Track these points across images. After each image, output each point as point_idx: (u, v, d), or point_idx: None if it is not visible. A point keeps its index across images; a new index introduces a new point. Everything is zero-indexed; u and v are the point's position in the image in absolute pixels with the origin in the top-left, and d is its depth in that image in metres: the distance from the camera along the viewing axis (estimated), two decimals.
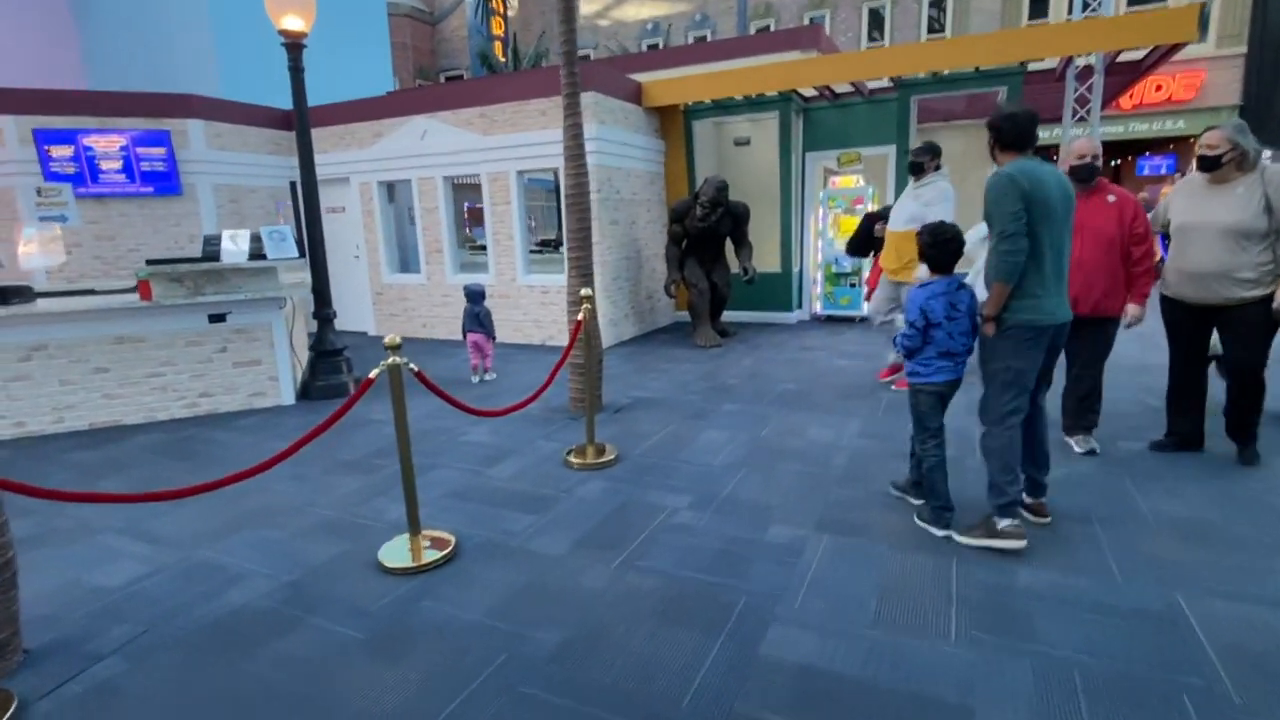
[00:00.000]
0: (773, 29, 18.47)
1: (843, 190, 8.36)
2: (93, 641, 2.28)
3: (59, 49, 12.57)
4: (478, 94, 7.57)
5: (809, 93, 8.10)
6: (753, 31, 18.47)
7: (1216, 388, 3.60)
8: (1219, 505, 2.98)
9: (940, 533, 2.79)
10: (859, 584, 2.47)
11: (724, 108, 8.17)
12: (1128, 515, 2.93)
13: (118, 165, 7.27)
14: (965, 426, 3.79)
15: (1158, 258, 3.46)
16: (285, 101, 5.43)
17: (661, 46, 20.04)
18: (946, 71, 7.11)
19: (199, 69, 11.28)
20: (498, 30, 20.87)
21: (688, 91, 7.95)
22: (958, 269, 2.85)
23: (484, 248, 8.00)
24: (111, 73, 12.19)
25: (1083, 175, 3.41)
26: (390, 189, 8.49)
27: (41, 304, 4.69)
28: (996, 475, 2.66)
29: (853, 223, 7.22)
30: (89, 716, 1.93)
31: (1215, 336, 3.48)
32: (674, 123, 8.34)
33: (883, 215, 5.51)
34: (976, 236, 3.78)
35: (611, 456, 3.83)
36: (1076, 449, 3.68)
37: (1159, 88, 14.81)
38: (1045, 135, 13.67)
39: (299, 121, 5.37)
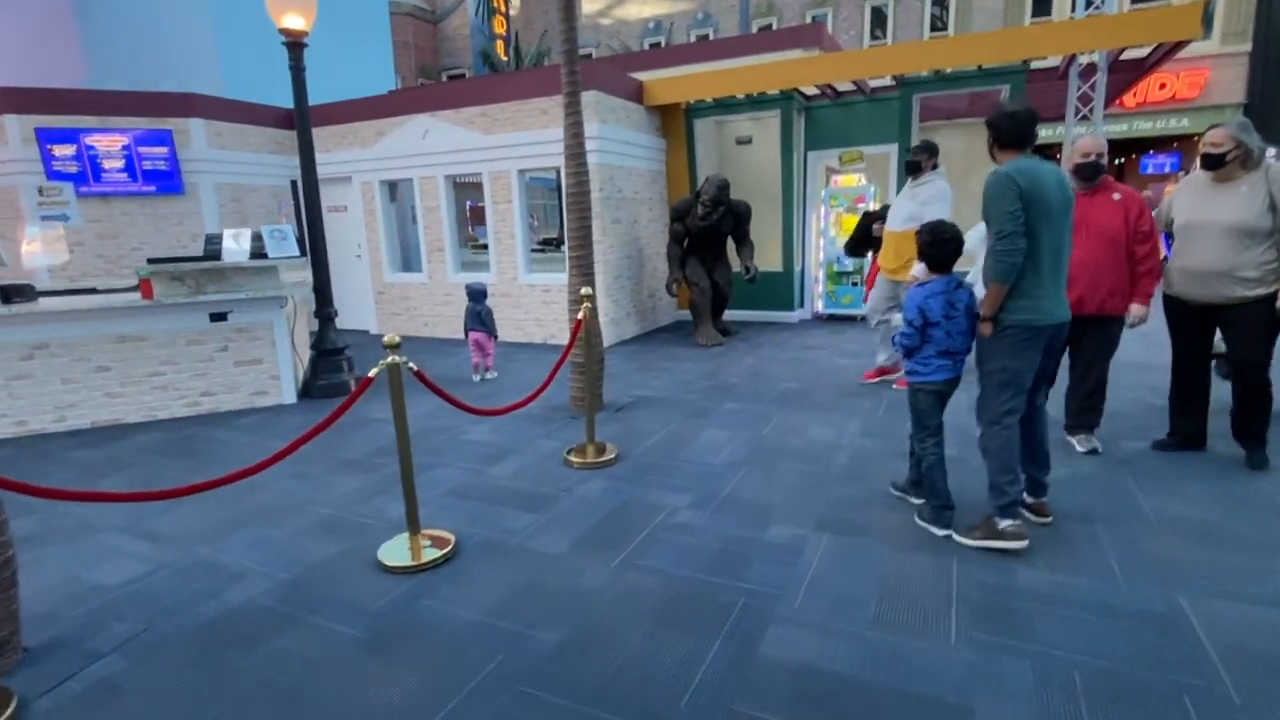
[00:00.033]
0: (775, 27, 18.44)
1: (844, 189, 8.34)
2: (92, 639, 2.28)
3: (61, 48, 12.60)
4: (479, 93, 7.57)
5: (811, 91, 8.08)
6: (755, 30, 18.44)
7: (1221, 388, 3.58)
8: (1221, 505, 2.97)
9: (941, 532, 2.78)
10: (859, 584, 2.46)
11: (726, 106, 8.15)
12: (1129, 515, 2.92)
13: (120, 164, 7.29)
14: (967, 425, 3.78)
15: (1161, 256, 3.44)
16: (287, 100, 5.43)
17: (663, 45, 20.02)
18: (949, 70, 7.09)
19: (201, 68, 11.30)
20: (500, 29, 20.86)
21: (689, 90, 7.93)
22: (959, 268, 2.84)
23: (486, 247, 8.00)
24: (113, 72, 12.20)
25: (1087, 173, 3.40)
26: (392, 188, 8.50)
27: (43, 303, 4.70)
28: (996, 475, 2.65)
29: (854, 221, 7.21)
30: (88, 714, 1.93)
31: (1219, 336, 3.47)
32: (675, 121, 8.33)
33: (880, 215, 5.50)
34: (976, 236, 3.77)
35: (612, 455, 3.83)
36: (1078, 448, 3.67)
37: (1163, 86, 14.76)
38: (1048, 134, 13.68)
39: (300, 120, 5.37)
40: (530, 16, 22.97)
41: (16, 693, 1.99)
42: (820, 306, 8.61)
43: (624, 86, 7.56)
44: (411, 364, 2.80)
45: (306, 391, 5.51)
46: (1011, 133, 2.60)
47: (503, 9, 21.13)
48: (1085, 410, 3.67)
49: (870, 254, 5.99)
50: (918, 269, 4.48)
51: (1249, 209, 3.08)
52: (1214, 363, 3.70)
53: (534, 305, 7.63)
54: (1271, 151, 3.34)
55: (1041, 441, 2.84)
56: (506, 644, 2.19)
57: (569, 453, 3.88)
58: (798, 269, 8.34)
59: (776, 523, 2.98)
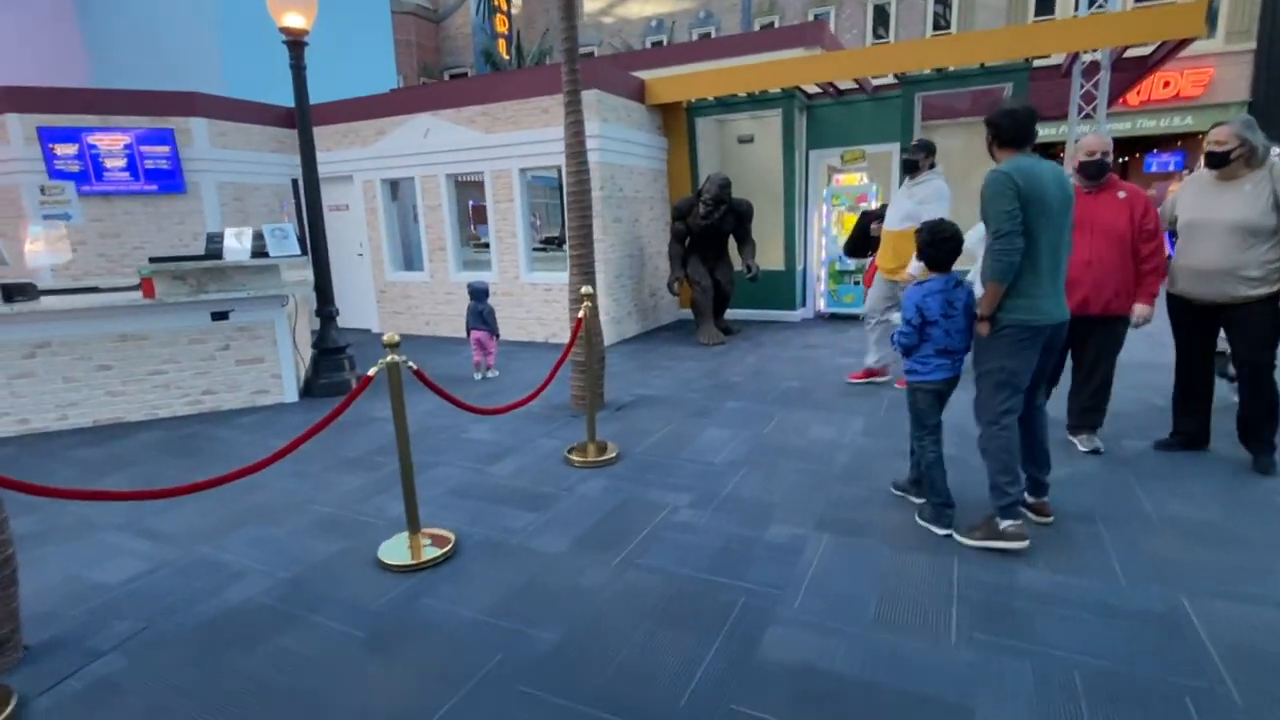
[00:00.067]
0: (777, 26, 18.40)
1: (846, 188, 8.32)
2: (93, 638, 2.28)
3: (63, 48, 12.62)
4: (480, 92, 7.57)
5: (812, 90, 8.06)
6: (757, 28, 18.41)
7: (1226, 388, 3.56)
8: (1224, 505, 2.96)
9: (942, 531, 2.78)
10: (859, 583, 2.46)
11: (727, 105, 8.14)
12: (1131, 515, 2.91)
13: (122, 163, 7.30)
14: (968, 424, 3.75)
15: (1166, 255, 3.41)
16: (289, 99, 5.44)
17: (665, 43, 20.00)
18: (951, 68, 7.06)
19: (203, 67, 11.31)
20: (501, 28, 20.85)
21: (691, 88, 7.92)
22: (960, 266, 2.83)
23: (488, 245, 8.00)
24: (116, 71, 12.22)
25: (1092, 172, 3.38)
26: (394, 187, 8.50)
27: (45, 301, 4.71)
28: (996, 476, 2.64)
29: (854, 221, 7.19)
30: (88, 712, 1.94)
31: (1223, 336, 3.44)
32: (677, 120, 8.32)
33: (879, 214, 5.48)
34: (975, 236, 3.75)
35: (612, 454, 3.82)
36: (1080, 448, 3.66)
37: (1167, 84, 14.70)
38: (1051, 132, 13.64)
39: (300, 119, 5.37)
40: (532, 15, 22.95)
41: (16, 691, 2.00)
42: (822, 305, 8.60)
43: (625, 85, 7.55)
44: (411, 363, 2.80)
45: (308, 390, 5.52)
46: (1011, 131, 2.59)
47: (504, 8, 21.12)
48: (1089, 410, 3.66)
49: (871, 254, 5.97)
50: (913, 268, 4.48)
51: (1253, 207, 3.06)
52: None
53: (535, 304, 7.63)
54: (1276, 150, 3.31)
55: (1041, 442, 2.83)
56: (506, 643, 2.19)
57: (570, 451, 3.88)
58: (799, 268, 8.33)
59: (777, 522, 2.97)
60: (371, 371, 2.68)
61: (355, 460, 3.96)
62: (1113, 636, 2.09)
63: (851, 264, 8.15)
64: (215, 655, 2.18)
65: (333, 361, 5.59)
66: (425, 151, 7.87)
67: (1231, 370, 4.02)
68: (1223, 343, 3.46)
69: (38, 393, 4.68)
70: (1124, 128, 14.93)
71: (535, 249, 8.54)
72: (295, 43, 5.05)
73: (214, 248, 5.05)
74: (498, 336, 6.03)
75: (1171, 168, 15.97)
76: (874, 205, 7.73)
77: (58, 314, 4.62)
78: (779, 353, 6.52)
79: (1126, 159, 16.68)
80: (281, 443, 2.54)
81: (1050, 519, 2.85)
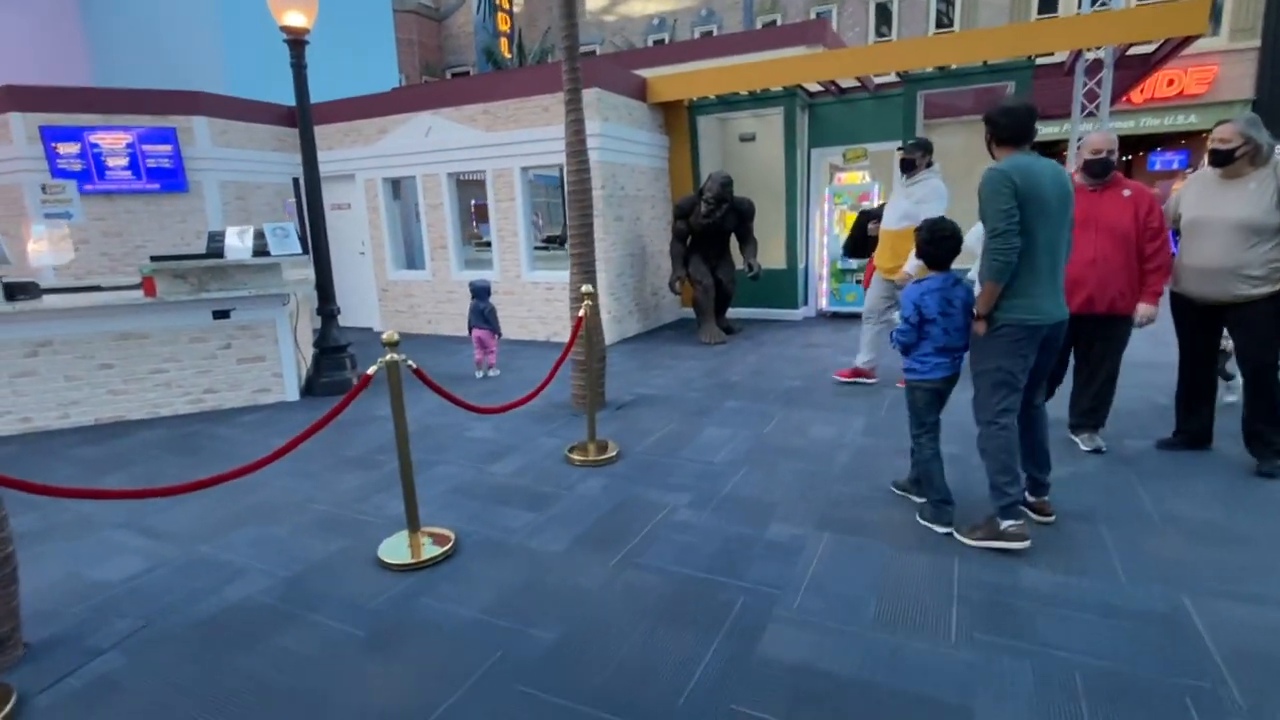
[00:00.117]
0: (779, 24, 18.37)
1: (848, 186, 8.30)
2: (92, 636, 2.29)
3: (65, 47, 12.65)
4: (481, 90, 7.56)
5: (814, 88, 8.04)
6: (759, 26, 18.38)
7: (1222, 387, 3.54)
8: (1226, 505, 2.94)
9: (942, 529, 2.77)
10: (859, 583, 2.45)
11: (729, 103, 8.12)
12: (1133, 514, 2.89)
13: (124, 162, 7.31)
14: (969, 423, 3.72)
15: (1170, 254, 3.39)
16: (290, 98, 5.44)
17: (667, 42, 19.97)
18: (954, 66, 7.04)
19: (205, 66, 11.32)
20: (503, 26, 20.85)
21: (692, 87, 7.91)
22: (961, 265, 2.82)
23: (489, 244, 8.00)
24: (118, 70, 12.25)
25: (1097, 170, 3.36)
26: (395, 186, 8.50)
27: (47, 300, 4.72)
28: (995, 476, 2.63)
29: (855, 219, 7.17)
30: (88, 711, 1.94)
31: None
32: (678, 118, 8.30)
33: (876, 214, 5.47)
34: (975, 235, 3.74)
35: (613, 453, 3.82)
36: (1082, 446, 3.64)
37: (1170, 82, 14.64)
38: (1054, 130, 13.58)
39: (301, 118, 5.37)
40: (534, 13, 22.94)
41: (16, 689, 2.00)
42: (824, 304, 8.58)
43: (626, 83, 7.54)
44: (411, 361, 2.80)
45: (309, 389, 5.52)
46: (1009, 129, 2.57)
47: (506, 6, 21.12)
48: (1092, 410, 3.64)
49: (870, 254, 5.95)
50: (910, 266, 4.47)
51: (1257, 205, 3.04)
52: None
53: (537, 303, 7.63)
54: None
55: (1041, 442, 2.82)
56: (505, 642, 2.18)
57: (570, 451, 3.88)
58: (801, 266, 8.31)
59: (777, 521, 2.97)
60: (371, 370, 2.68)
61: (356, 459, 3.96)
62: (1114, 636, 2.08)
63: (854, 262, 8.14)
64: (215, 654, 2.18)
65: (334, 360, 5.59)
66: (427, 150, 7.87)
67: (1228, 369, 4.01)
68: (1225, 340, 3.44)
69: (40, 391, 4.69)
70: (1127, 126, 14.87)
71: (537, 248, 8.54)
72: (296, 41, 5.05)
73: (215, 246, 5.06)
74: (499, 335, 6.03)
75: (1175, 166, 15.91)
76: (877, 203, 7.71)
77: (59, 312, 4.63)
78: (780, 352, 6.51)
79: (1130, 157, 16.63)
80: (283, 441, 2.54)
81: (1052, 518, 2.84)
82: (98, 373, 4.81)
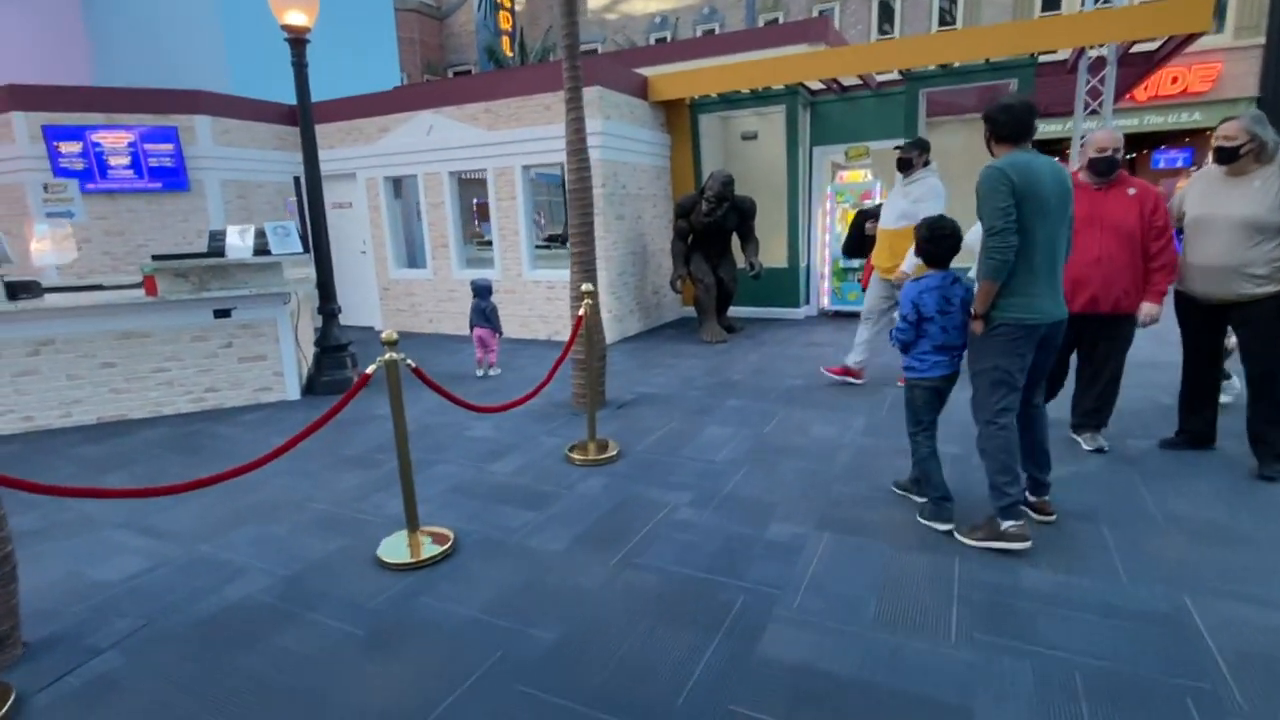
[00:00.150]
0: (781, 22, 18.33)
1: (850, 184, 8.28)
2: (92, 635, 2.29)
3: (67, 45, 12.66)
4: (482, 89, 7.56)
5: (816, 86, 8.02)
6: (761, 24, 18.35)
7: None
8: (1229, 505, 2.93)
9: (943, 527, 2.76)
10: (859, 583, 2.44)
11: (730, 102, 8.10)
12: (1135, 514, 2.88)
13: (126, 161, 7.32)
14: (970, 422, 3.73)
15: (1175, 252, 3.37)
16: (292, 97, 5.44)
17: (669, 40, 19.94)
18: (956, 64, 7.02)
19: (207, 65, 11.32)
20: (505, 25, 20.84)
21: (693, 85, 7.89)
22: (963, 263, 2.81)
23: (490, 243, 8.00)
24: (120, 69, 12.26)
25: (1102, 169, 3.33)
26: (397, 184, 8.50)
27: (49, 299, 4.73)
28: (995, 476, 2.61)
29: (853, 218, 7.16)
30: (86, 710, 1.94)
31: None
32: (680, 117, 8.29)
33: (874, 214, 5.45)
34: (975, 235, 3.73)
35: (613, 453, 3.81)
36: (1084, 446, 3.63)
37: (1175, 80, 14.58)
38: (1057, 129, 13.53)
39: (302, 117, 5.37)
40: (535, 12, 22.93)
41: (15, 688, 2.00)
42: (826, 303, 8.57)
43: (628, 82, 7.53)
44: (410, 360, 2.79)
45: (310, 388, 5.53)
46: (1008, 126, 2.55)
47: (508, 5, 21.11)
48: (1095, 410, 3.62)
49: (869, 254, 5.93)
50: (907, 265, 4.46)
51: (1261, 203, 3.02)
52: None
53: (538, 301, 7.63)
54: None
55: (1040, 441, 2.81)
56: (504, 641, 2.18)
57: (570, 450, 3.87)
58: (803, 265, 8.29)
59: (777, 521, 2.96)
60: (370, 369, 2.68)
61: (356, 458, 3.97)
62: (1115, 637, 2.07)
63: (856, 262, 8.12)
64: (214, 653, 2.18)
65: (335, 359, 5.60)
66: (428, 149, 7.87)
67: (1225, 369, 3.98)
68: (1228, 338, 3.42)
69: (42, 390, 4.70)
70: (1131, 124, 14.82)
71: (538, 246, 8.54)
72: (297, 40, 5.05)
73: (216, 245, 5.06)
74: (500, 334, 6.02)
75: (1179, 164, 15.85)
76: (879, 202, 7.70)
77: (61, 311, 4.64)
78: (782, 351, 6.50)
79: (1134, 155, 16.57)
80: (283, 440, 2.53)
81: (1052, 517, 2.83)
82: (100, 371, 4.81)
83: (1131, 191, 3.33)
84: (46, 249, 5.99)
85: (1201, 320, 3.36)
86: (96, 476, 3.82)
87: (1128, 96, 11.12)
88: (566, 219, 7.95)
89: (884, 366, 5.46)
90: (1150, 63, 7.38)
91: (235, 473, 2.42)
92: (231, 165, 8.01)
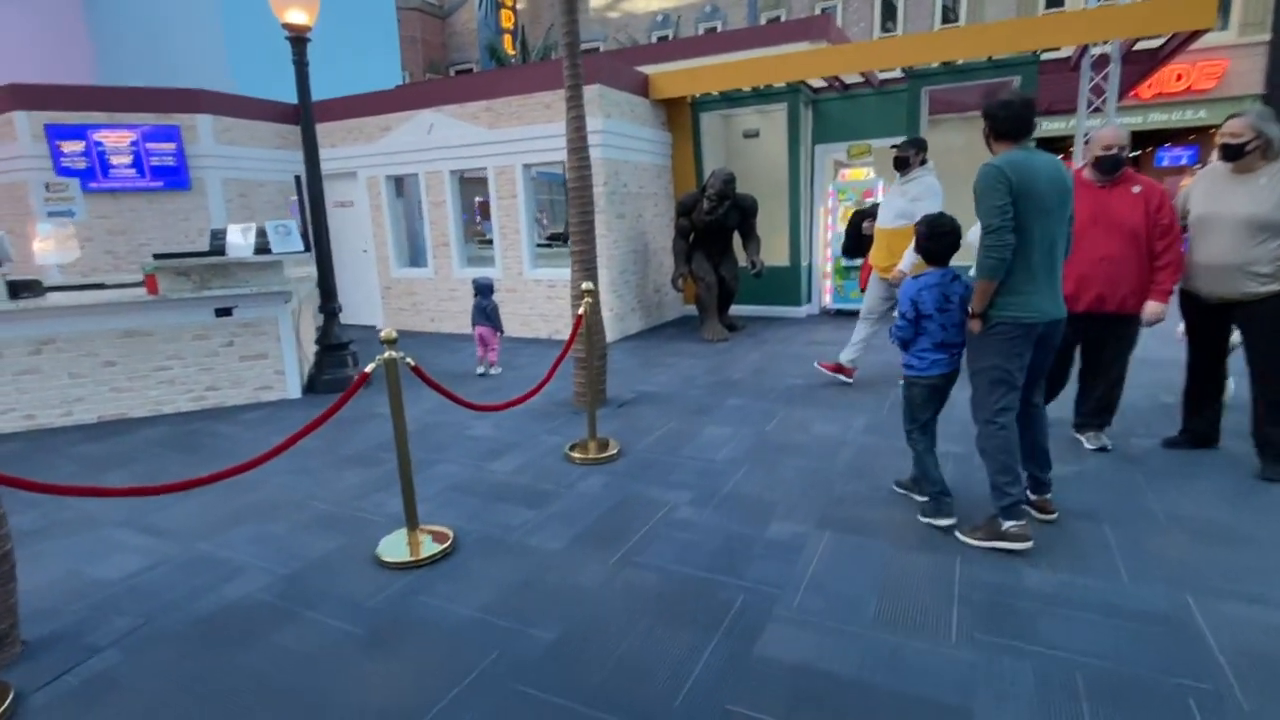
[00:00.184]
0: (784, 19, 18.29)
1: (852, 183, 8.26)
2: (91, 634, 2.29)
3: (70, 45, 12.69)
4: (483, 87, 7.55)
5: (818, 84, 8.00)
6: (763, 22, 18.30)
7: (1240, 387, 3.49)
8: (1233, 505, 2.91)
9: (944, 522, 2.75)
10: (859, 582, 2.43)
11: (732, 100, 8.08)
12: (1138, 514, 2.86)
13: (128, 160, 7.33)
14: (972, 421, 3.73)
15: (1181, 251, 3.33)
16: (294, 96, 5.44)
17: (671, 38, 19.91)
18: (959, 61, 6.99)
19: (208, 64, 11.34)
20: (507, 23, 20.84)
21: (695, 83, 7.87)
22: (963, 261, 2.79)
23: (491, 241, 7.99)
24: (121, 68, 12.29)
25: (1107, 167, 3.29)
26: (398, 183, 8.50)
27: (51, 298, 4.74)
28: (995, 476, 2.60)
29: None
30: (85, 708, 1.94)
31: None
32: (681, 115, 8.27)
33: (870, 213, 5.42)
34: (975, 234, 3.71)
35: (613, 451, 3.81)
36: (1087, 445, 3.61)
37: (1179, 77, 14.51)
38: (1060, 126, 13.47)
39: (303, 116, 5.37)
40: (537, 10, 22.91)
41: (14, 686, 2.00)
42: (828, 301, 8.55)
43: (629, 80, 7.51)
44: (409, 359, 2.79)
45: (312, 386, 5.53)
46: (1007, 123, 2.53)
47: (510, 3, 21.10)
48: (1099, 410, 3.60)
49: (866, 254, 5.90)
50: (904, 264, 4.44)
51: (1267, 201, 3.00)
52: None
53: (539, 300, 7.62)
54: None
55: (1040, 440, 2.79)
56: (502, 641, 2.18)
57: (570, 448, 3.87)
58: (805, 264, 8.27)
59: (777, 520, 2.95)
60: (369, 368, 2.68)
61: (356, 456, 3.96)
62: (1116, 637, 2.06)
63: (857, 260, 8.10)
64: (213, 651, 2.18)
65: (336, 358, 5.60)
66: (429, 147, 7.86)
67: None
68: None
69: (43, 388, 4.70)
70: (1135, 121, 14.75)
71: (540, 245, 8.53)
72: (298, 39, 5.05)
73: (217, 244, 5.06)
74: (501, 332, 6.02)
75: (1184, 162, 15.77)
76: (877, 201, 7.67)
77: (63, 310, 4.65)
78: (783, 349, 6.49)
79: (1138, 153, 16.49)
80: (284, 439, 2.53)
81: (1054, 515, 2.82)
82: (101, 370, 4.82)
83: (1136, 189, 3.29)
84: (50, 248, 6.01)
85: (1206, 319, 3.34)
86: (96, 475, 3.83)
87: (1132, 94, 11.07)
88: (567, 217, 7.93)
89: (886, 365, 5.45)
90: (1154, 60, 7.34)
91: (234, 471, 2.41)
92: (233, 164, 8.02)
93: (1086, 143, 3.47)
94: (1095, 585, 2.34)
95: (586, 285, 4.05)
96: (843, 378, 5.11)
